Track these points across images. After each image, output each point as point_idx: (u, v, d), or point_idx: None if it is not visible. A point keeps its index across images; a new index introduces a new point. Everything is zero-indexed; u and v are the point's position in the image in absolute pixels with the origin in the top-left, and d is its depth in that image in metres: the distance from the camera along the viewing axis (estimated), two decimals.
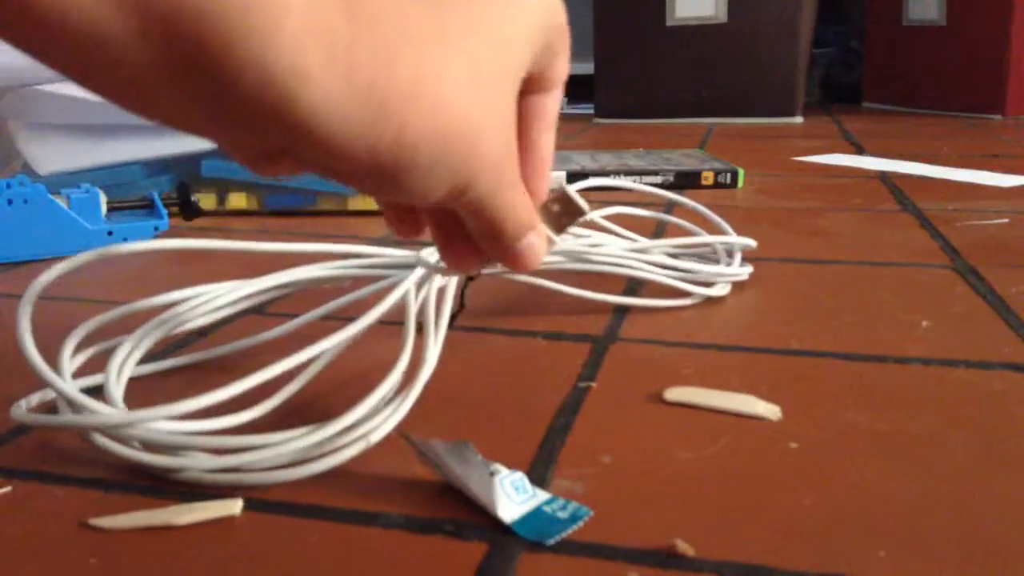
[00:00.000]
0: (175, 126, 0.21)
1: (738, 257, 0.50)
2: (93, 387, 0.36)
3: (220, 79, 0.19)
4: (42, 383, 0.33)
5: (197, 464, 0.29)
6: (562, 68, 0.29)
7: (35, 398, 0.34)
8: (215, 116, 0.20)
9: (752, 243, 0.50)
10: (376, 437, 0.30)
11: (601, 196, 0.81)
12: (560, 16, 0.28)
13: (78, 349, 0.37)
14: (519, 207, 0.27)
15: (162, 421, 0.29)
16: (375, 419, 0.31)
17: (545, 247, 0.29)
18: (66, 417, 0.30)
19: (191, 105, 0.20)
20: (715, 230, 0.53)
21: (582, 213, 0.30)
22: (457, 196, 0.25)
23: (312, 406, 0.35)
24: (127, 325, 0.39)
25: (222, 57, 0.19)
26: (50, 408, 0.34)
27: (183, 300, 0.40)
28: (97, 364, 0.38)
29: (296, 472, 0.29)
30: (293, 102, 0.20)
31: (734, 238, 0.49)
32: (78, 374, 0.36)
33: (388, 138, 0.22)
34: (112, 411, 0.30)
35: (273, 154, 0.24)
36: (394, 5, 0.22)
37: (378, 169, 0.22)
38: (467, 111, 0.23)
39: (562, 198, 0.30)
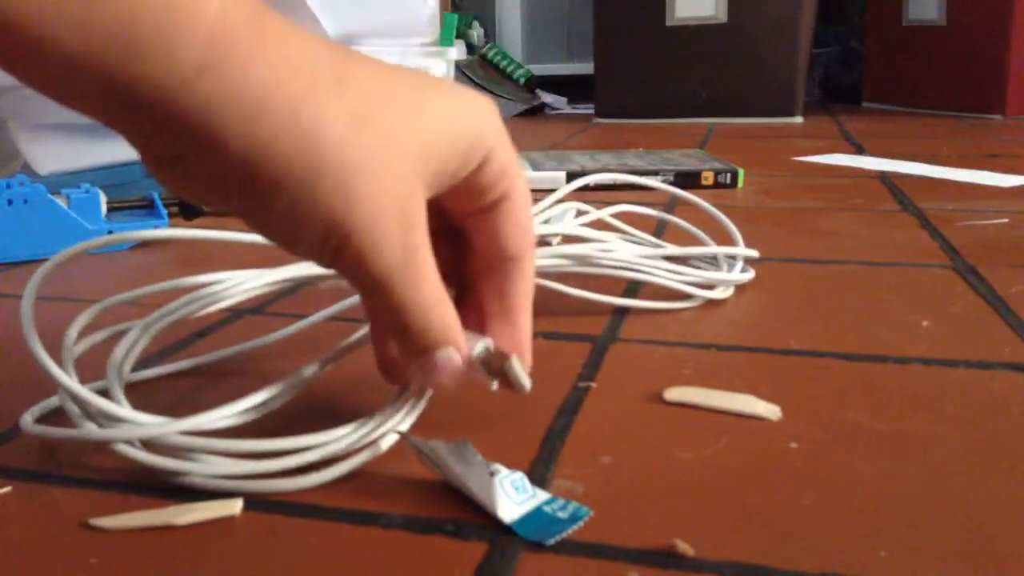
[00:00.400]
0: (109, 125, 0.24)
1: (740, 262, 0.50)
2: (98, 389, 0.36)
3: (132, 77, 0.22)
4: (47, 384, 0.33)
5: (210, 469, 0.28)
6: (493, 182, 0.28)
7: (36, 409, 0.33)
8: (118, 107, 0.23)
9: (755, 254, 0.50)
10: (386, 444, 0.30)
11: (605, 193, 0.81)
12: (488, 130, 0.28)
13: (77, 346, 0.37)
14: (429, 305, 0.27)
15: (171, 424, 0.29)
16: (385, 426, 0.31)
17: (461, 372, 0.29)
18: (90, 430, 0.30)
19: (106, 100, 0.23)
20: (723, 231, 0.53)
21: (522, 389, 0.30)
22: (336, 249, 0.25)
23: (315, 408, 0.35)
24: (124, 319, 0.39)
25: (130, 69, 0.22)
26: (56, 410, 0.34)
27: (188, 289, 0.39)
28: (96, 362, 0.37)
29: (309, 480, 0.29)
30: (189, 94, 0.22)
31: (739, 249, 0.49)
32: (81, 372, 0.36)
33: (261, 143, 0.23)
34: (136, 423, 0.30)
35: (166, 159, 0.24)
36: (304, 45, 0.24)
37: (249, 177, 0.24)
38: (341, 149, 0.24)
39: (509, 370, 0.30)
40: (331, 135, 0.24)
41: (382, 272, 0.26)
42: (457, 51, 0.96)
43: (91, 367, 0.37)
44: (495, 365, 0.30)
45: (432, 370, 0.29)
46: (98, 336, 0.38)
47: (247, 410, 0.30)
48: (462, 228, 0.31)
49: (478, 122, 0.27)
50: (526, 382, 0.30)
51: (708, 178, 0.85)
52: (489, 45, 1.86)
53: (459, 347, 0.29)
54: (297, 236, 0.25)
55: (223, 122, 0.23)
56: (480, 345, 0.30)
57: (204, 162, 0.24)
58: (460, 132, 0.27)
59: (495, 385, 0.31)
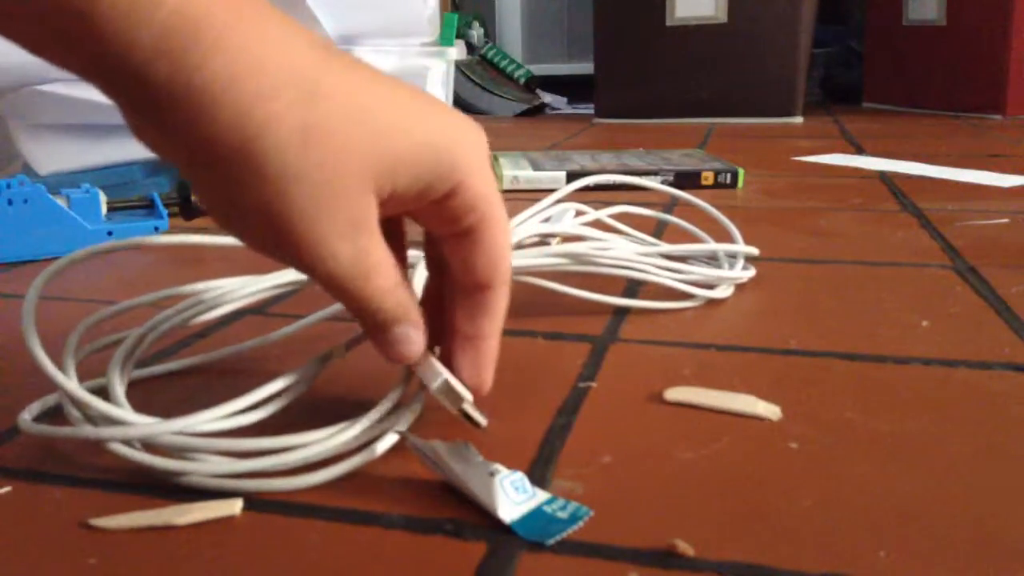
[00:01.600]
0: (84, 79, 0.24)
1: (741, 260, 0.50)
2: (97, 389, 0.36)
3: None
4: (48, 385, 0.33)
5: (209, 469, 0.28)
6: (464, 211, 0.28)
7: (36, 406, 0.34)
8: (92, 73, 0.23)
9: (755, 251, 0.50)
10: (385, 444, 0.30)
11: (605, 194, 0.81)
12: (463, 159, 0.27)
13: (79, 348, 0.37)
14: (382, 293, 0.28)
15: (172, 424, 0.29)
16: (384, 425, 0.31)
17: (422, 344, 0.29)
18: (86, 429, 0.30)
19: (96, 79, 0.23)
20: (723, 231, 0.53)
21: (478, 427, 0.31)
22: (282, 252, 0.26)
23: (315, 408, 0.35)
24: (127, 323, 0.39)
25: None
26: (55, 409, 0.34)
27: (187, 295, 0.39)
28: (96, 365, 0.38)
29: (308, 479, 0.29)
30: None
31: (739, 247, 0.49)
32: (81, 374, 0.36)
33: (207, 136, 0.23)
34: (131, 423, 0.30)
35: (132, 123, 0.25)
36: (285, 43, 0.24)
37: (197, 165, 0.24)
38: (284, 157, 0.24)
39: (463, 413, 0.31)
40: (275, 142, 0.24)
41: (329, 273, 0.26)
42: (457, 51, 0.96)
43: (91, 369, 0.37)
44: (451, 401, 0.31)
45: (389, 346, 0.29)
46: (99, 340, 0.38)
47: (240, 411, 0.30)
48: (442, 252, 0.31)
49: (452, 151, 0.27)
50: (481, 420, 0.31)
51: (708, 178, 0.85)
52: (489, 45, 1.86)
53: (415, 323, 0.29)
54: (246, 231, 0.26)
55: (174, 108, 0.23)
56: (439, 380, 0.30)
57: (158, 138, 0.24)
58: (428, 159, 0.26)
59: (455, 412, 0.32)
